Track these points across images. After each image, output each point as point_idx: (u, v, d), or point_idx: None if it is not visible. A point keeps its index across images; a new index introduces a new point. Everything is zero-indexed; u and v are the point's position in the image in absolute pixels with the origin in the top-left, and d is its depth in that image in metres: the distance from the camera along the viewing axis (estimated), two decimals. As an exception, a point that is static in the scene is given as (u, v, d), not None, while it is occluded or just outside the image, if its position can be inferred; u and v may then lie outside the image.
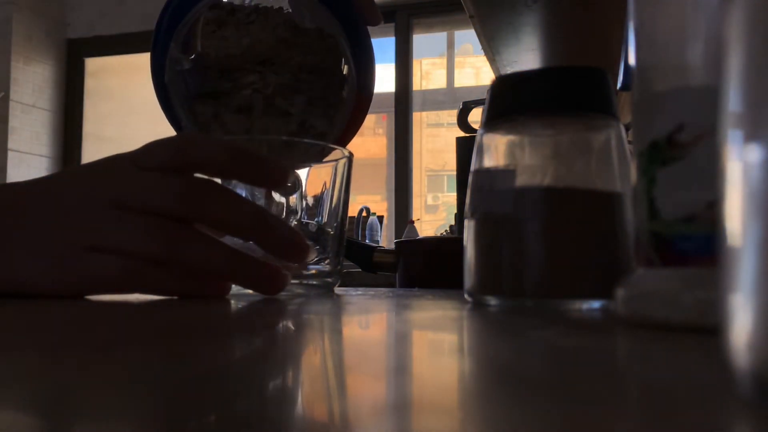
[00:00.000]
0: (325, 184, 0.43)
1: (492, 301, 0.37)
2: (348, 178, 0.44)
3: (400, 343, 0.24)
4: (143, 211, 0.36)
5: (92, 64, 3.49)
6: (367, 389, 0.15)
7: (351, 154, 0.44)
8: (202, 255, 0.37)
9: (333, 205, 0.43)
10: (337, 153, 0.43)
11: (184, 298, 0.39)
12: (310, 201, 0.43)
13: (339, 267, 0.45)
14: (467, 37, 3.32)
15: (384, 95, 3.31)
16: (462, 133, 1.09)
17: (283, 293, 0.43)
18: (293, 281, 0.43)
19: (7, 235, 0.37)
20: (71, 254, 0.36)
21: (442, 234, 2.37)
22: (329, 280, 0.44)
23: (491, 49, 1.05)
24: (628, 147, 0.37)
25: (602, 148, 0.38)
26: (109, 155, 0.39)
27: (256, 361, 0.18)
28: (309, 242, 0.38)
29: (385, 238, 3.08)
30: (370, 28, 0.50)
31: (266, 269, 0.38)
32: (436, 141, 3.46)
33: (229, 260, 0.37)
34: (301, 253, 0.38)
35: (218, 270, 0.38)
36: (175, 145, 0.37)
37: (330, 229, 0.43)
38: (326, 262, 0.43)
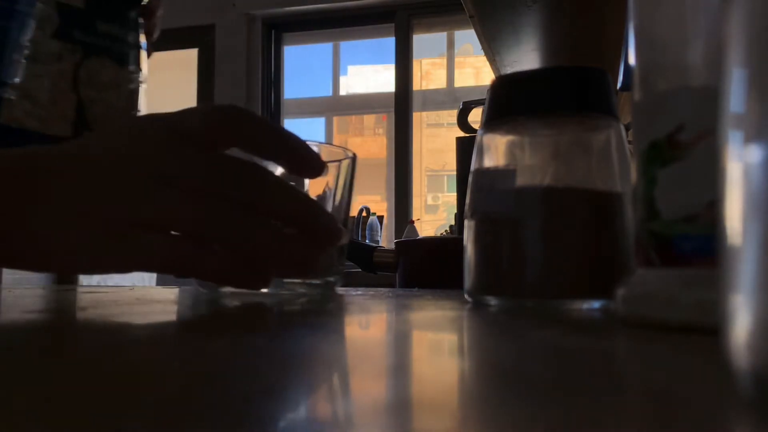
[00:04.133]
0: (327, 183, 0.42)
1: (492, 301, 0.37)
2: (351, 179, 0.44)
3: (400, 343, 0.24)
4: (189, 188, 0.33)
5: (92, 64, 3.47)
6: (367, 389, 0.15)
7: (354, 156, 0.44)
8: (255, 237, 0.34)
9: (336, 206, 0.43)
10: (340, 153, 0.43)
11: (224, 286, 0.38)
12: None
13: (341, 267, 0.45)
14: (467, 37, 3.32)
15: (384, 95, 3.31)
16: (462, 133, 1.09)
17: (285, 292, 0.43)
18: (295, 281, 0.43)
19: (34, 206, 0.33)
20: (113, 231, 0.33)
21: (442, 234, 2.37)
22: (332, 279, 0.44)
23: (491, 49, 1.05)
24: (628, 147, 0.37)
25: (602, 148, 0.38)
26: (139, 117, 0.37)
27: (255, 361, 0.18)
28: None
29: (385, 238, 3.08)
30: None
31: (308, 252, 0.36)
32: (436, 141, 3.46)
33: (278, 242, 0.35)
34: (337, 240, 0.37)
35: (268, 252, 0.35)
36: (217, 117, 0.35)
37: None
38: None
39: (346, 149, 0.43)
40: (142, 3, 0.69)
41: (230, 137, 0.35)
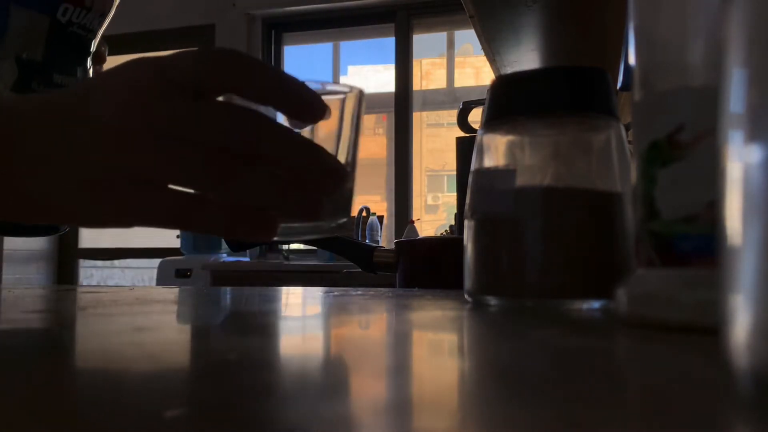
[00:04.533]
0: (331, 122, 0.40)
1: (492, 301, 0.37)
2: (358, 117, 0.42)
3: (400, 343, 0.24)
4: (184, 140, 0.33)
5: (92, 64, 3.48)
6: (367, 389, 0.15)
7: (361, 91, 0.42)
8: (256, 185, 0.33)
9: (341, 145, 0.41)
10: (343, 89, 0.41)
11: (231, 237, 0.37)
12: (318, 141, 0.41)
13: (348, 210, 0.43)
14: (467, 37, 3.32)
15: (384, 95, 3.31)
16: (462, 133, 1.09)
17: (294, 238, 0.41)
18: (303, 225, 0.41)
19: (26, 159, 0.32)
20: (110, 186, 0.32)
21: (442, 234, 2.37)
22: (340, 222, 0.42)
23: (491, 49, 1.04)
24: (628, 147, 0.37)
25: (602, 148, 0.38)
26: (131, 60, 0.35)
27: (255, 361, 0.18)
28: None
29: (385, 238, 3.08)
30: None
31: (313, 194, 0.35)
32: (436, 141, 3.46)
33: (281, 187, 0.34)
34: (342, 182, 0.36)
35: (271, 199, 0.34)
36: (212, 62, 0.34)
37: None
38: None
39: (352, 85, 0.41)
40: (93, 51, 0.71)
41: (225, 84, 0.34)
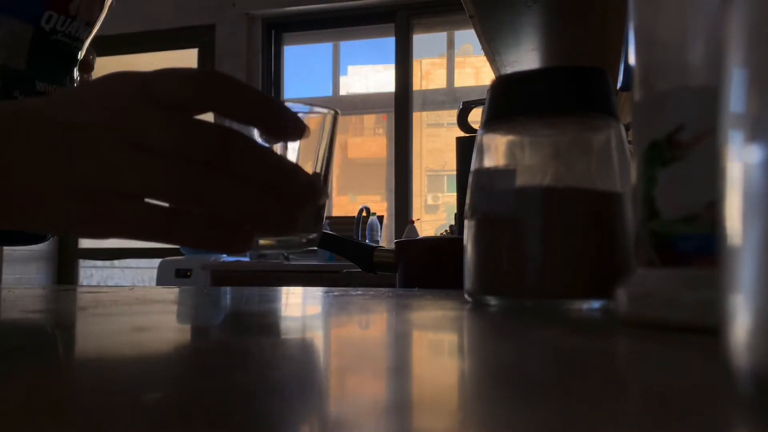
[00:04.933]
0: (308, 141, 0.42)
1: (492, 301, 0.37)
2: (332, 136, 0.43)
3: (400, 343, 0.24)
4: (163, 155, 0.33)
5: (92, 64, 3.48)
6: (367, 389, 0.15)
7: (337, 112, 0.43)
8: (231, 200, 0.34)
9: (317, 163, 0.42)
10: (321, 111, 0.42)
11: (207, 249, 0.37)
12: (292, 156, 0.42)
13: (320, 226, 0.44)
14: (467, 37, 3.32)
15: (384, 95, 3.31)
16: (462, 133, 1.09)
17: (265, 252, 0.42)
18: (272, 240, 0.42)
19: (5, 161, 0.33)
20: (88, 198, 0.33)
21: (442, 234, 2.37)
22: (310, 237, 0.43)
23: (491, 49, 1.04)
24: (628, 147, 0.37)
25: (602, 148, 0.38)
26: (113, 73, 0.36)
27: (255, 361, 0.18)
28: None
29: (385, 238, 3.08)
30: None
31: (287, 209, 0.36)
32: (436, 141, 3.46)
33: (255, 202, 0.35)
34: (316, 196, 0.37)
35: (245, 214, 0.35)
36: (196, 82, 0.34)
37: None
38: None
39: (329, 108, 0.43)
40: (79, 59, 0.71)
41: (207, 104, 0.35)
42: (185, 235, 0.35)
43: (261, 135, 0.38)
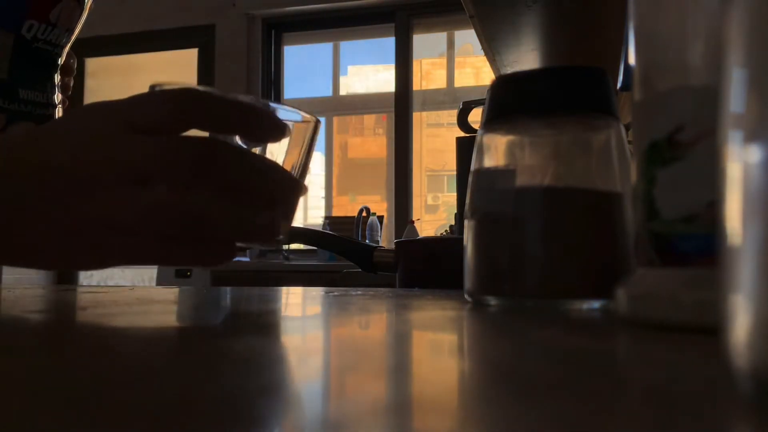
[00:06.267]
0: (287, 145, 0.42)
1: (492, 301, 0.37)
2: (310, 144, 0.44)
3: (400, 343, 0.24)
4: (156, 181, 0.34)
5: (92, 64, 3.48)
6: (367, 389, 0.15)
7: (317, 120, 0.43)
8: (226, 217, 0.35)
9: (294, 165, 0.43)
10: (306, 116, 0.43)
11: (198, 267, 0.38)
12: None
13: (289, 225, 0.44)
14: (467, 37, 3.31)
15: (384, 95, 3.31)
16: (462, 133, 1.09)
17: (242, 247, 0.43)
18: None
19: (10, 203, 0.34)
20: (83, 234, 0.34)
21: (442, 234, 2.37)
22: (280, 238, 0.44)
23: (491, 49, 1.05)
24: (628, 147, 0.37)
25: (602, 148, 0.38)
26: (89, 105, 0.37)
27: (255, 360, 0.18)
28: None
29: (385, 238, 3.08)
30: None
31: (270, 216, 0.36)
32: (436, 141, 3.46)
33: (238, 214, 0.36)
34: (298, 191, 0.38)
35: (231, 228, 0.36)
36: (172, 104, 0.35)
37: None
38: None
39: (312, 115, 0.43)
40: (60, 65, 0.71)
41: (186, 123, 0.35)
42: (178, 257, 0.36)
43: (241, 139, 0.38)
